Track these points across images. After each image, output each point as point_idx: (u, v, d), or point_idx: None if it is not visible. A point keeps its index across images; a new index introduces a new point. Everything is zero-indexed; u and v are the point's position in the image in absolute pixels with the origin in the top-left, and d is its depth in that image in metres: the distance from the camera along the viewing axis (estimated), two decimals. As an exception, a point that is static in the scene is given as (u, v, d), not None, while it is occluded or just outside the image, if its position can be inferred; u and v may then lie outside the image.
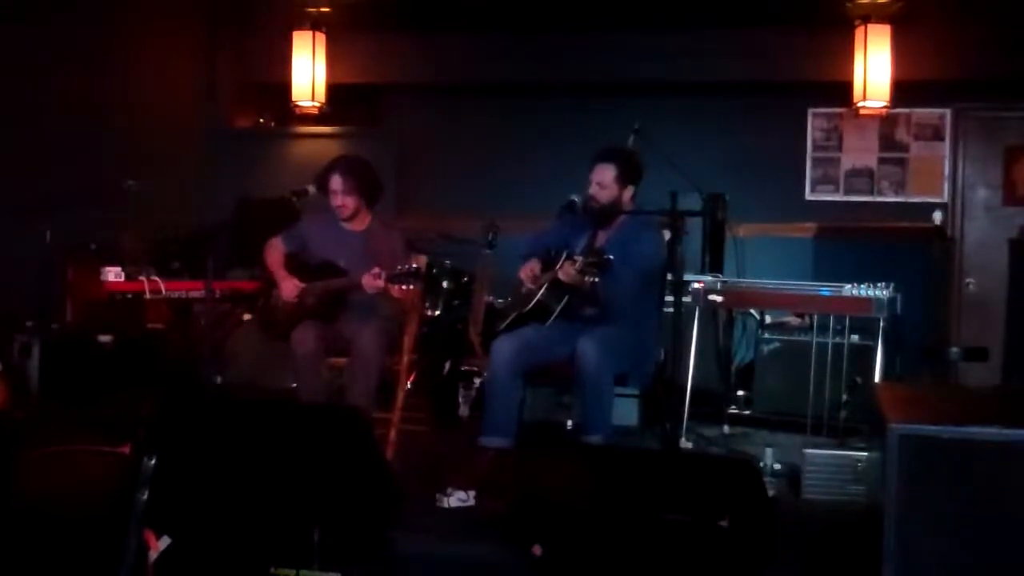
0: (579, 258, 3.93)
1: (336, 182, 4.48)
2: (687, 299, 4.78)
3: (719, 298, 4.97)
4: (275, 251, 4.60)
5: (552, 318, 4.17)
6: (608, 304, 4.07)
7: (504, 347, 4.11)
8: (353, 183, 4.49)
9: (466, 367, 5.29)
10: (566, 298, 4.12)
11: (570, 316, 4.17)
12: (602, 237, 4.30)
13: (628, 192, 4.26)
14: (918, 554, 2.60)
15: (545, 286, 4.21)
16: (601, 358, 3.94)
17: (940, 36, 6.26)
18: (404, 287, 4.24)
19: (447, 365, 5.31)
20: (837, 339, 4.91)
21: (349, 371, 4.30)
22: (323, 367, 4.36)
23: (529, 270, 4.38)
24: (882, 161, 6.74)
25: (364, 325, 4.32)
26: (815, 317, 5.07)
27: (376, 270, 4.22)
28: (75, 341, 5.02)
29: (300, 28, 6.83)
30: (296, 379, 4.40)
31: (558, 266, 4.17)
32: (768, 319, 5.42)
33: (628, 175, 4.24)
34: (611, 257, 3.83)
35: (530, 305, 4.23)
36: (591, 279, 3.85)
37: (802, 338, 5.18)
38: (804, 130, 6.83)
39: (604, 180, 4.22)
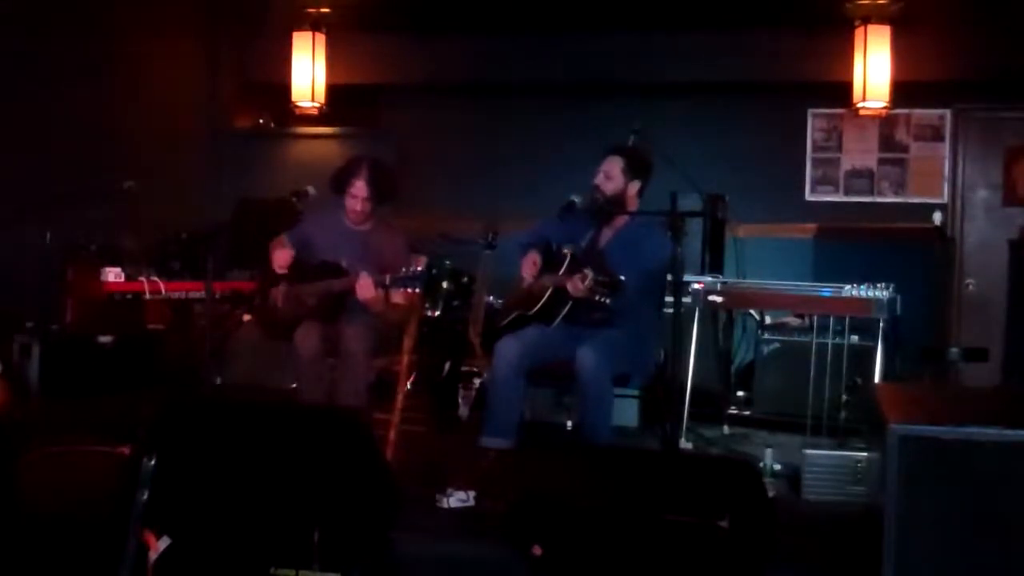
0: (588, 272, 3.87)
1: (360, 188, 4.47)
2: (687, 299, 4.78)
3: (719, 298, 4.98)
4: (281, 244, 4.61)
5: (557, 321, 4.17)
6: (613, 308, 4.05)
7: (510, 348, 4.11)
8: (375, 190, 4.49)
9: (466, 367, 5.28)
10: (571, 303, 4.11)
11: (574, 319, 4.17)
12: (606, 235, 4.30)
13: (634, 187, 4.27)
14: (918, 554, 2.60)
15: (549, 291, 4.20)
16: (600, 366, 3.94)
17: (940, 36, 6.25)
18: (407, 290, 4.24)
19: (447, 366, 5.30)
20: (837, 340, 4.90)
21: (338, 370, 4.31)
22: (324, 368, 4.37)
23: (531, 263, 4.38)
24: (882, 162, 6.74)
25: (354, 324, 4.33)
26: (815, 318, 5.07)
27: (365, 280, 4.22)
28: (75, 341, 5.02)
29: (300, 29, 6.84)
30: (297, 379, 4.40)
31: (561, 272, 4.16)
32: (768, 319, 5.42)
33: (634, 169, 4.27)
34: (623, 278, 3.82)
35: (534, 309, 4.24)
36: (601, 299, 3.84)
37: (802, 339, 5.17)
38: (804, 130, 6.82)
39: (611, 171, 4.25)
